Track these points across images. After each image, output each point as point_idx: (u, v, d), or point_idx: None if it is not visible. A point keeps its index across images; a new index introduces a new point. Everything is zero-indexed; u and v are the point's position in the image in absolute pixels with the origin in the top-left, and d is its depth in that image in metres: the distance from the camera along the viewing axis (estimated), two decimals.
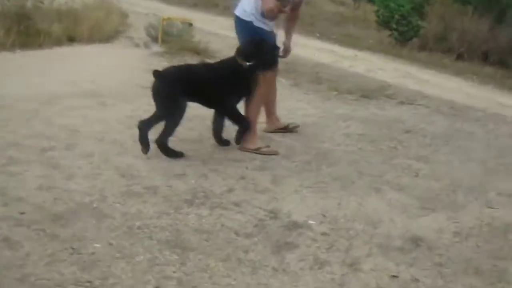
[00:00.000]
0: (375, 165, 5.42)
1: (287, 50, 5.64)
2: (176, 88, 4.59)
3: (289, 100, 7.64)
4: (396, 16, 14.97)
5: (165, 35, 10.49)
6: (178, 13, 18.06)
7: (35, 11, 10.36)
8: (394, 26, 14.99)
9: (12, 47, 9.06)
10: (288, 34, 5.64)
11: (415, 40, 15.24)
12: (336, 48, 14.33)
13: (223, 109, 4.98)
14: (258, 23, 4.95)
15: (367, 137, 6.33)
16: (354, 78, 9.70)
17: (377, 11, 15.92)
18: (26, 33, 9.61)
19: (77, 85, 7.04)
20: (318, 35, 16.28)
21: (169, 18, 11.15)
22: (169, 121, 4.65)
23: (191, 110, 5.02)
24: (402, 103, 8.35)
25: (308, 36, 15.84)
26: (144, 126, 4.64)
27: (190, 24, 11.23)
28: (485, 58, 14.22)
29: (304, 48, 12.92)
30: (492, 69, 13.60)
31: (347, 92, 8.57)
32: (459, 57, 14.16)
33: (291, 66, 9.63)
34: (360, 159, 5.54)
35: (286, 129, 5.83)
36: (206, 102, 4.95)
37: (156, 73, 4.58)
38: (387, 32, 15.57)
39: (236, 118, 5.00)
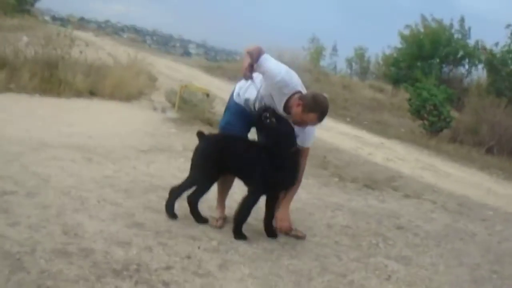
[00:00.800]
0: (344, 262, 4.96)
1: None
2: None
3: None
4: (428, 106, 14.62)
5: (184, 103, 10.61)
6: (214, 83, 18.55)
7: (63, 61, 10.80)
8: (425, 115, 14.58)
9: (32, 91, 9.52)
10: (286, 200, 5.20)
11: (446, 131, 14.80)
12: (364, 134, 14.14)
13: None
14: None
15: (350, 230, 5.90)
16: (365, 166, 9.35)
17: (409, 99, 15.64)
18: (49, 80, 10.04)
19: (73, 137, 7.09)
20: (348, 119, 16.14)
21: (186, 86, 11.22)
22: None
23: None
24: (407, 196, 7.93)
25: (338, 119, 15.80)
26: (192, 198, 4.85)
27: (207, 95, 11.27)
28: None
29: (328, 131, 12.86)
30: None
31: (350, 180, 8.23)
32: (489, 150, 13.61)
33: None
34: (330, 254, 5.06)
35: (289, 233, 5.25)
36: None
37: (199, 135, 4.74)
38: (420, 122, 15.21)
39: None
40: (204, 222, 4.83)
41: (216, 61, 30.44)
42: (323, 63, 26.87)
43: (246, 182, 4.86)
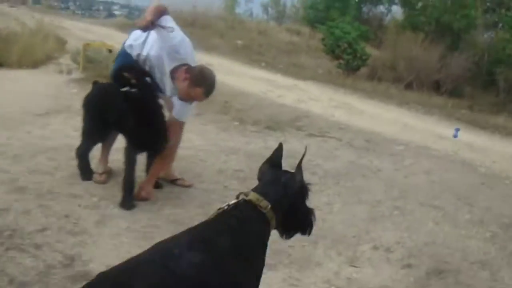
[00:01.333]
0: None
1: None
2: None
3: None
4: (342, 45, 14.08)
5: (89, 62, 9.97)
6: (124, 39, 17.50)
7: None
8: (340, 54, 14.05)
9: None
10: None
11: (363, 69, 14.34)
12: (277, 77, 13.49)
13: None
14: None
15: (242, 174, 5.36)
16: (271, 108, 8.72)
17: (323, 39, 15.04)
18: None
19: None
20: (263, 64, 15.48)
21: (89, 44, 10.45)
22: None
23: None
24: (311, 135, 7.40)
25: (253, 65, 15.12)
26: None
27: (110, 51, 10.46)
28: (437, 87, 13.30)
29: (240, 77, 12.16)
30: (443, 99, 12.78)
31: (252, 123, 7.64)
32: (408, 86, 13.25)
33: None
34: (216, 200, 4.48)
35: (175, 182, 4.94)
36: None
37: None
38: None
39: None
40: (88, 179, 4.52)
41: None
42: (239, 10, 26.06)
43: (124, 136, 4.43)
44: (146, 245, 3.34)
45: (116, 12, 52.96)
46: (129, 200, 4.21)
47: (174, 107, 4.44)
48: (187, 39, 4.31)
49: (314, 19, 20.19)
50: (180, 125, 4.65)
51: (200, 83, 4.13)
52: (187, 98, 4.25)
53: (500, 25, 16.95)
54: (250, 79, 12.44)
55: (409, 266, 3.87)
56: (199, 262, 1.74)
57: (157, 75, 4.32)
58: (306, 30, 20.83)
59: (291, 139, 7.06)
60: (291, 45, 18.60)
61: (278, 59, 16.51)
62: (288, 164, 5.21)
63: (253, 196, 2.10)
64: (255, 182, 4.59)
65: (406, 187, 5.54)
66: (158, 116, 4.26)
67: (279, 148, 2.42)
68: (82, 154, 4.55)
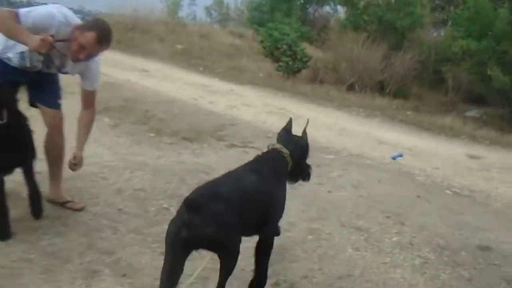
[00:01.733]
0: (119, 235, 3.81)
1: (77, 163, 3.98)
2: None
3: (92, 144, 5.84)
4: (283, 46, 13.38)
5: None
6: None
7: None
8: (280, 57, 13.34)
9: None
10: (80, 141, 4.05)
11: (305, 71, 13.66)
12: (214, 82, 12.76)
13: None
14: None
15: (142, 194, 4.63)
16: (195, 116, 7.92)
17: (262, 41, 14.32)
18: None
19: None
20: (201, 69, 14.73)
21: None
22: None
23: None
24: (231, 146, 6.65)
25: (190, 70, 14.36)
26: None
27: None
28: (382, 88, 12.70)
29: (174, 83, 11.49)
30: (386, 100, 12.21)
31: (170, 134, 6.84)
32: (350, 88, 12.61)
33: (130, 103, 8.19)
34: (106, 226, 3.88)
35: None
36: None
37: None
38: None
39: None
40: None
41: None
42: (182, 13, 25.18)
43: None
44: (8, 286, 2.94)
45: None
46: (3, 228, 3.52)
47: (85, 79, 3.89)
48: (63, 8, 3.65)
49: (259, 22, 19.48)
50: (95, 94, 4.05)
51: (92, 27, 3.52)
52: (77, 48, 3.53)
53: (449, 22, 16.55)
54: (184, 85, 11.71)
55: None
56: (255, 180, 2.95)
57: (56, 63, 3.77)
58: (250, 33, 20.11)
59: (208, 151, 6.30)
60: (234, 48, 17.87)
61: (218, 63, 15.76)
62: (195, 181, 4.49)
63: (278, 146, 3.24)
64: (155, 203, 3.82)
65: (327, 205, 4.82)
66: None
67: (290, 121, 3.55)
68: None
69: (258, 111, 9.68)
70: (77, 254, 3.43)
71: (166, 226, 3.67)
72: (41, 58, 3.67)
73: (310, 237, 4.14)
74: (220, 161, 5.85)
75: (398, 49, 13.44)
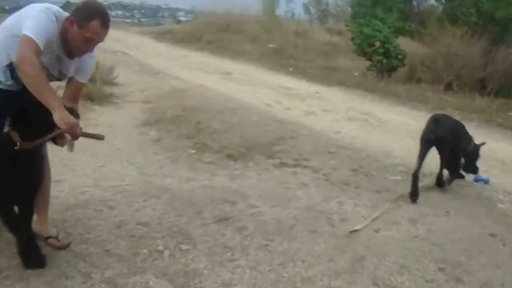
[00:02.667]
0: (90, 284, 3.11)
1: None
2: None
3: (122, 163, 5.55)
4: (376, 44, 12.20)
5: None
6: (149, 48, 16.51)
7: None
8: (372, 55, 12.17)
9: None
10: None
11: (401, 69, 12.38)
12: (299, 84, 11.92)
13: None
14: None
15: (142, 231, 3.86)
16: (253, 128, 7.13)
17: (352, 38, 13.16)
18: None
19: None
20: (291, 69, 13.85)
21: None
22: None
23: None
24: (282, 164, 5.81)
25: (278, 71, 13.62)
26: None
27: None
28: (482, 87, 11.16)
29: (252, 87, 10.81)
30: (487, 100, 10.65)
31: (212, 151, 6.11)
32: (448, 88, 11.18)
33: (187, 113, 7.58)
34: (78, 274, 3.18)
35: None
36: None
37: None
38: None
39: None
40: None
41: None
42: (280, 11, 24.34)
43: None
44: None
45: (182, 18, 53.00)
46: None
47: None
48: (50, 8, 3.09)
49: (363, 17, 18.22)
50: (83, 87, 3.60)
51: (92, 15, 3.10)
52: (84, 43, 3.15)
53: None
54: (264, 88, 10.94)
55: None
56: (450, 122, 5.31)
57: (56, 69, 3.26)
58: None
59: (250, 172, 5.48)
60: (330, 46, 16.82)
61: (310, 63, 14.84)
62: (212, 215, 3.73)
63: None
64: (151, 243, 3.62)
65: (365, 252, 3.80)
66: None
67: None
68: None
69: (338, 117, 8.69)
70: None
71: (148, 277, 2.98)
72: None
73: None
74: (257, 187, 5.01)
75: (500, 43, 11.73)
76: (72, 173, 4.53)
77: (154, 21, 49.44)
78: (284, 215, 4.30)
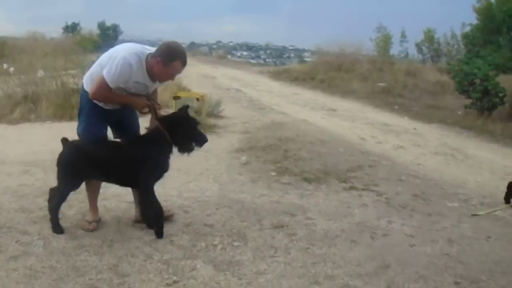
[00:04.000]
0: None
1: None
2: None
3: (207, 180, 6.35)
4: (476, 81, 12.31)
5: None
6: (265, 86, 17.50)
7: None
8: (471, 93, 12.28)
9: None
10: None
11: (502, 108, 12.35)
12: (400, 121, 12.24)
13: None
14: None
15: (206, 229, 4.59)
16: (337, 157, 7.66)
17: (454, 76, 13.29)
18: None
19: None
20: (396, 107, 14.21)
21: (177, 95, 10.21)
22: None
23: None
24: (351, 188, 6.30)
25: (383, 108, 14.06)
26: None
27: (197, 99, 10.25)
28: None
29: (352, 122, 11.31)
30: None
31: (292, 174, 6.74)
32: None
33: (280, 143, 8.20)
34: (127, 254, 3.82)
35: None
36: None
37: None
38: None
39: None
40: (60, 233, 4.27)
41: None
42: (393, 51, 24.47)
43: (128, 184, 4.49)
44: None
45: (307, 59, 53.69)
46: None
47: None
48: (128, 55, 4.06)
49: (475, 56, 18.16)
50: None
51: (174, 57, 4.02)
52: (167, 77, 4.21)
53: None
54: (363, 124, 11.40)
55: None
56: None
57: (144, 92, 4.30)
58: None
59: (319, 193, 6.02)
60: (439, 85, 16.89)
61: (416, 101, 15.05)
62: (274, 223, 4.31)
63: None
64: (209, 239, 4.33)
65: (392, 260, 4.21)
66: None
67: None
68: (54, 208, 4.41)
69: (425, 151, 8.97)
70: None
71: (198, 262, 3.82)
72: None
73: None
74: (321, 204, 5.56)
75: None
76: (161, 186, 5.38)
77: (280, 62, 50.39)
78: (334, 227, 4.81)
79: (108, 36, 39.23)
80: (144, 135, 4.41)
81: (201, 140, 4.39)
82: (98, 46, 26.48)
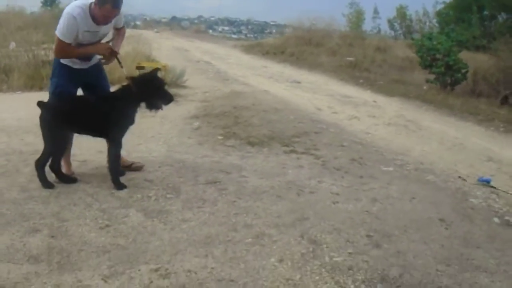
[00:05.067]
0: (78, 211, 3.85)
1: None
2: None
3: (157, 142, 6.62)
4: (439, 57, 12.45)
5: None
6: (236, 59, 17.55)
7: None
8: (433, 68, 12.43)
9: None
10: (117, 43, 4.99)
11: (465, 83, 12.53)
12: (361, 94, 12.40)
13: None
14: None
15: (146, 184, 4.69)
16: (287, 124, 7.74)
17: (417, 51, 13.43)
18: None
19: None
20: (361, 81, 14.31)
21: (140, 65, 10.22)
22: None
23: None
24: (290, 152, 6.45)
25: (348, 82, 14.17)
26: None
27: (159, 69, 10.21)
28: None
29: (314, 94, 11.39)
30: None
31: (237, 138, 6.93)
32: (504, 101, 11.24)
33: (234, 111, 8.35)
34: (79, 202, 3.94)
35: (130, 168, 5.16)
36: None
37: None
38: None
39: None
40: (50, 187, 4.59)
41: None
42: (366, 27, 24.66)
43: (102, 135, 4.80)
44: None
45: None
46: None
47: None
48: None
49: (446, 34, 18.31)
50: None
51: (105, 1, 4.36)
52: (103, 19, 4.47)
53: None
54: (324, 96, 11.52)
55: None
56: None
57: (98, 37, 4.70)
58: None
59: (260, 155, 6.20)
60: (408, 61, 17.02)
61: (383, 76, 15.18)
62: (209, 180, 4.49)
63: None
64: (147, 192, 4.63)
65: (310, 211, 4.33)
66: None
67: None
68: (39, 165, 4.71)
69: (379, 122, 9.10)
70: None
71: (131, 210, 4.10)
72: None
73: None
74: (258, 165, 5.71)
75: None
76: None
77: (261, 37, 50.21)
78: (264, 184, 4.97)
79: None
80: (114, 91, 4.82)
81: (167, 99, 4.76)
82: None
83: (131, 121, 4.74)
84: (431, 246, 3.92)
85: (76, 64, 4.67)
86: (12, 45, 12.84)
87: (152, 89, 4.65)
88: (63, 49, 4.48)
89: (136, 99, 4.66)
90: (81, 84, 4.80)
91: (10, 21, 14.84)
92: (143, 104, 4.72)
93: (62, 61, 4.67)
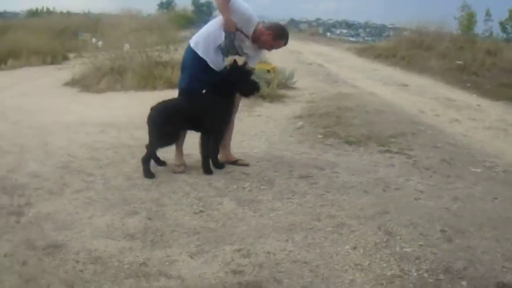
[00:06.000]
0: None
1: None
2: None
3: (260, 139, 7.11)
4: None
5: None
6: (349, 63, 17.81)
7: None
8: None
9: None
10: None
11: None
12: (465, 98, 12.15)
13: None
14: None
15: (238, 175, 5.22)
16: (388, 125, 7.95)
17: None
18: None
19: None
20: (468, 85, 14.07)
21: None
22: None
23: None
24: (386, 151, 6.62)
25: (454, 85, 14.00)
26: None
27: (268, 71, 10.89)
28: None
29: (419, 96, 11.48)
30: None
31: (336, 137, 7.19)
32: None
33: (338, 111, 8.67)
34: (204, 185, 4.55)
35: (235, 164, 5.55)
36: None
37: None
38: None
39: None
40: (151, 177, 5.06)
41: None
42: (478, 29, 23.70)
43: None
44: None
45: None
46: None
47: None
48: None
49: None
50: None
51: (282, 36, 5.01)
52: (269, 48, 5.13)
53: None
54: (429, 99, 11.49)
55: None
56: None
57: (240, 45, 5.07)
58: None
59: (355, 153, 6.46)
60: None
61: (491, 80, 14.74)
62: (304, 174, 5.03)
63: None
64: (242, 183, 5.07)
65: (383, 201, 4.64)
66: None
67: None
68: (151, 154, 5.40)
69: (479, 125, 9.02)
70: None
71: (225, 199, 4.54)
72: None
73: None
74: (351, 162, 5.98)
75: None
76: None
77: (378, 40, 49.42)
78: (353, 180, 5.23)
79: (202, 12, 40.25)
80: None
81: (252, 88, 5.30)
82: (192, 22, 27.35)
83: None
84: (503, 244, 3.93)
85: (213, 63, 4.97)
86: (126, 46, 13.49)
87: (245, 78, 5.14)
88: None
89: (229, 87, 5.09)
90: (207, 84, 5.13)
91: (125, 24, 15.60)
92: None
93: (201, 55, 4.93)
